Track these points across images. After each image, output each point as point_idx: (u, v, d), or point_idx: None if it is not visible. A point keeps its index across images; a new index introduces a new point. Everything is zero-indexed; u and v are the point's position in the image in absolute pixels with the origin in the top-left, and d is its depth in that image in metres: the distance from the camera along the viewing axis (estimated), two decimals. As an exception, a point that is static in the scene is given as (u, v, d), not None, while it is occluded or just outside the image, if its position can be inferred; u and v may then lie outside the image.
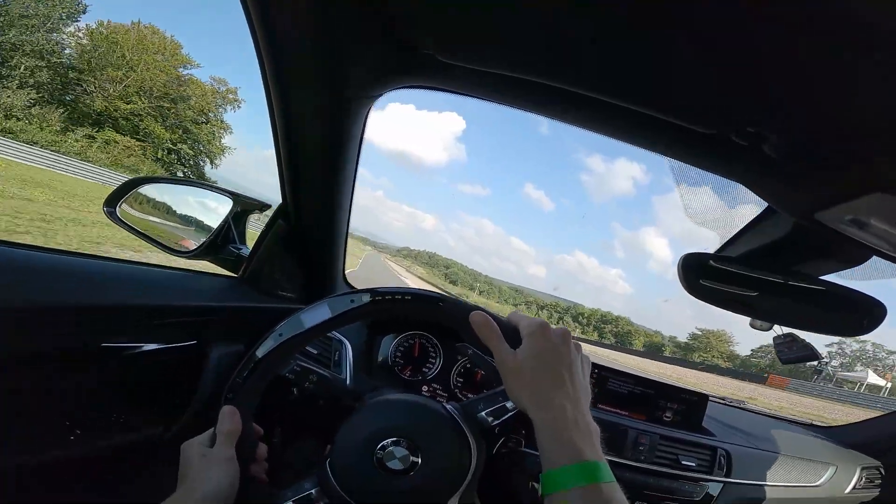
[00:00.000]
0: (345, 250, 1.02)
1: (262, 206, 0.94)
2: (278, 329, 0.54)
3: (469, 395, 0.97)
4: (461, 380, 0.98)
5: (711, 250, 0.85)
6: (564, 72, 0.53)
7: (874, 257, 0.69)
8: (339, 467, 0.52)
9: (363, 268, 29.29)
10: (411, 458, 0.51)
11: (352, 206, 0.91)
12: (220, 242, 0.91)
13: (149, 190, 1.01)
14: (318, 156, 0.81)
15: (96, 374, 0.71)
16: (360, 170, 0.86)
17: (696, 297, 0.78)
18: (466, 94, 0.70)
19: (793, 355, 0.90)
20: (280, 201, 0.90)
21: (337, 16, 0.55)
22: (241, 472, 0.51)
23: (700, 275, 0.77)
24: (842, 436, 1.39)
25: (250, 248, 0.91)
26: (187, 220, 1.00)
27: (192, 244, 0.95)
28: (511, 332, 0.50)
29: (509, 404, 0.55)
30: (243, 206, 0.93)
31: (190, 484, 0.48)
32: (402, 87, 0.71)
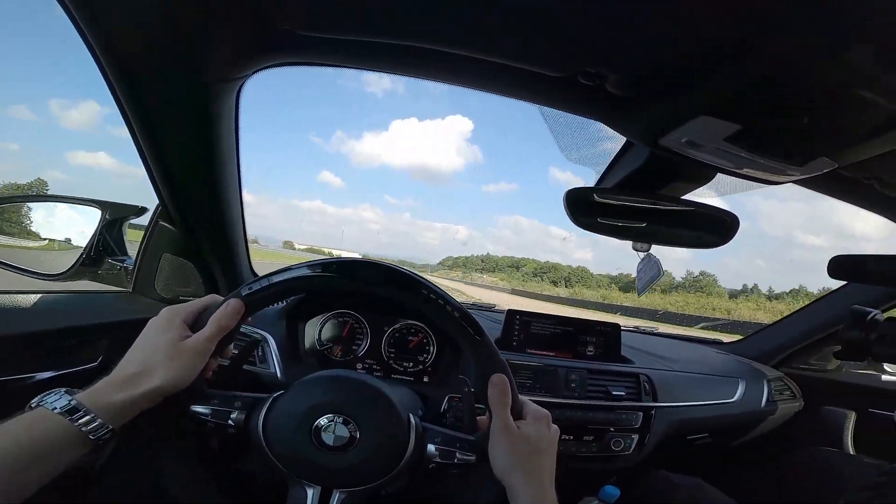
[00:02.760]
0: (245, 241, 0.96)
1: (138, 211, 0.85)
2: (319, 264, 0.52)
3: (404, 365, 0.98)
4: (393, 351, 0.99)
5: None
6: (421, 31, 0.54)
7: (718, 174, 0.79)
8: (271, 429, 0.51)
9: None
10: (349, 435, 0.50)
11: (242, 193, 0.86)
12: (95, 257, 0.82)
13: (-2, 212, 0.88)
14: (188, 148, 0.74)
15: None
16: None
17: (582, 228, 0.86)
18: (336, 66, 0.67)
19: (646, 275, 0.97)
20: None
21: None
22: (202, 369, 0.48)
23: (583, 209, 0.84)
24: (742, 350, 1.46)
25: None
26: (52, 240, 0.89)
27: (64, 266, 0.85)
28: (517, 409, 0.53)
29: (459, 455, 0.53)
30: (113, 214, 0.84)
31: (149, 367, 0.44)
32: (271, 66, 0.66)
